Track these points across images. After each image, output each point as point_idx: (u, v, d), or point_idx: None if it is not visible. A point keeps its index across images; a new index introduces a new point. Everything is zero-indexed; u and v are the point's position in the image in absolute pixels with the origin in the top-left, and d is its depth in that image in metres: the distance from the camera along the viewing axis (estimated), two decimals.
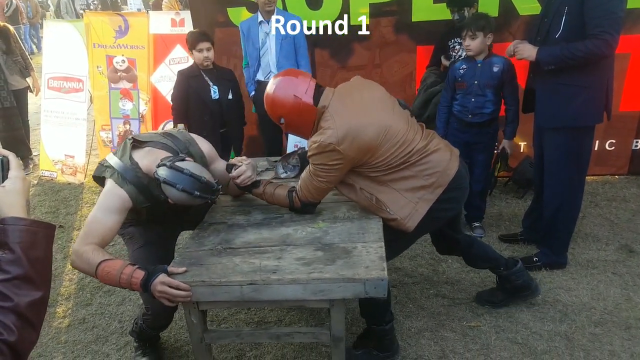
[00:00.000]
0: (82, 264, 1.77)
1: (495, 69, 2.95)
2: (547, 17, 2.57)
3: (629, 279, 2.75)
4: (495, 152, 3.23)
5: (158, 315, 2.14)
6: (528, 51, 2.56)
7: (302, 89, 1.96)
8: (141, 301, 2.43)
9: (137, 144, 2.06)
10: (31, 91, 5.19)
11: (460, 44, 3.31)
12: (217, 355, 2.37)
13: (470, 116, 3.05)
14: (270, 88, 2.01)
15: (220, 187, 1.96)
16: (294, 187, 2.12)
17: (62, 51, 4.76)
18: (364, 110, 1.95)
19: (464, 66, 3.03)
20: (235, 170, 2.11)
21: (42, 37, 13.12)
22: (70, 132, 4.81)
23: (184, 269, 1.73)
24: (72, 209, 4.28)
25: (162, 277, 1.68)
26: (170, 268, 1.73)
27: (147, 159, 1.98)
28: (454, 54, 3.45)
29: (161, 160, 1.91)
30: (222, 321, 2.66)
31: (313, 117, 1.99)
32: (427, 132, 2.12)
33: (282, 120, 2.04)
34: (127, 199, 1.92)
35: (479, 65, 2.98)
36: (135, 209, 1.99)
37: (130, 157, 1.98)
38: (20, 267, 0.93)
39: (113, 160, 2.00)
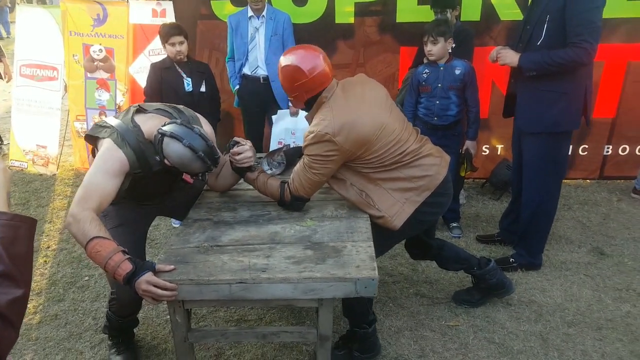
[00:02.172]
0: (77, 231, 1.69)
1: (458, 72, 3.03)
2: (529, 24, 2.63)
3: (600, 280, 2.85)
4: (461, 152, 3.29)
5: (123, 302, 2.09)
6: (510, 57, 2.62)
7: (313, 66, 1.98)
8: None
9: (142, 110, 2.01)
10: (1, 78, 5.00)
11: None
12: (196, 353, 2.32)
13: (435, 118, 3.12)
14: (291, 55, 2.02)
15: (220, 157, 1.92)
16: (286, 180, 2.12)
17: (35, 38, 4.59)
18: (363, 106, 1.98)
19: (427, 70, 3.10)
20: (238, 146, 2.10)
21: (10, 21, 12.67)
22: (43, 121, 4.66)
23: (172, 267, 1.68)
24: (44, 201, 4.15)
25: (148, 275, 1.62)
26: (158, 266, 1.67)
27: (150, 123, 1.93)
28: None
29: (170, 120, 1.88)
30: (200, 319, 2.63)
31: (303, 98, 2.03)
32: (421, 137, 2.17)
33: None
34: (125, 163, 1.85)
35: (442, 68, 3.05)
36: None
37: (132, 120, 1.92)
38: (1, 264, 0.88)
39: (113, 121, 1.92)
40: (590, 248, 3.19)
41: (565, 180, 4.06)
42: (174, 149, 1.81)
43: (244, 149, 2.09)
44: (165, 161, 1.86)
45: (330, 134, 1.89)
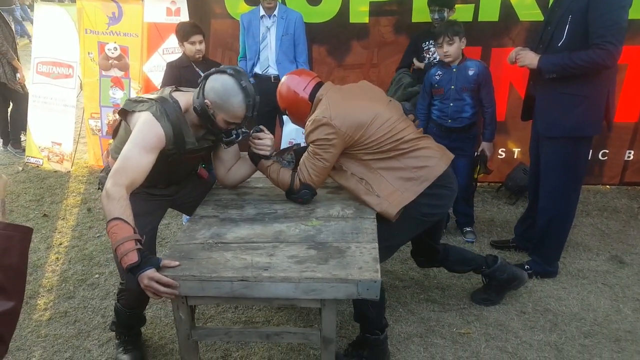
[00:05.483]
0: (105, 205, 1.70)
1: (471, 73, 2.95)
2: (550, 25, 2.55)
3: (619, 290, 2.74)
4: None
5: (133, 293, 2.07)
6: (530, 59, 2.54)
7: (301, 86, 2.20)
8: None
9: (178, 90, 2.05)
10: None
11: (434, 45, 3.26)
12: (203, 355, 2.31)
13: (449, 121, 3.04)
14: (279, 84, 2.28)
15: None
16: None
17: (52, 35, 4.66)
18: (358, 97, 2.16)
19: (440, 72, 3.03)
20: (261, 133, 2.17)
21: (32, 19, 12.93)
22: (59, 118, 4.71)
23: (177, 263, 1.68)
24: (58, 198, 4.18)
25: (151, 272, 1.62)
26: (163, 262, 1.67)
27: (187, 97, 1.98)
28: (427, 56, 3.42)
29: None
30: (208, 319, 2.60)
31: (308, 110, 2.20)
32: (421, 131, 2.23)
33: (286, 112, 2.30)
34: (162, 138, 1.85)
35: (454, 70, 2.98)
36: None
37: (171, 95, 1.94)
38: None
39: (151, 96, 1.94)
40: (609, 256, 3.08)
41: (584, 186, 3.92)
42: (218, 79, 1.89)
43: (265, 137, 2.16)
44: (206, 101, 1.89)
45: (327, 118, 2.01)
